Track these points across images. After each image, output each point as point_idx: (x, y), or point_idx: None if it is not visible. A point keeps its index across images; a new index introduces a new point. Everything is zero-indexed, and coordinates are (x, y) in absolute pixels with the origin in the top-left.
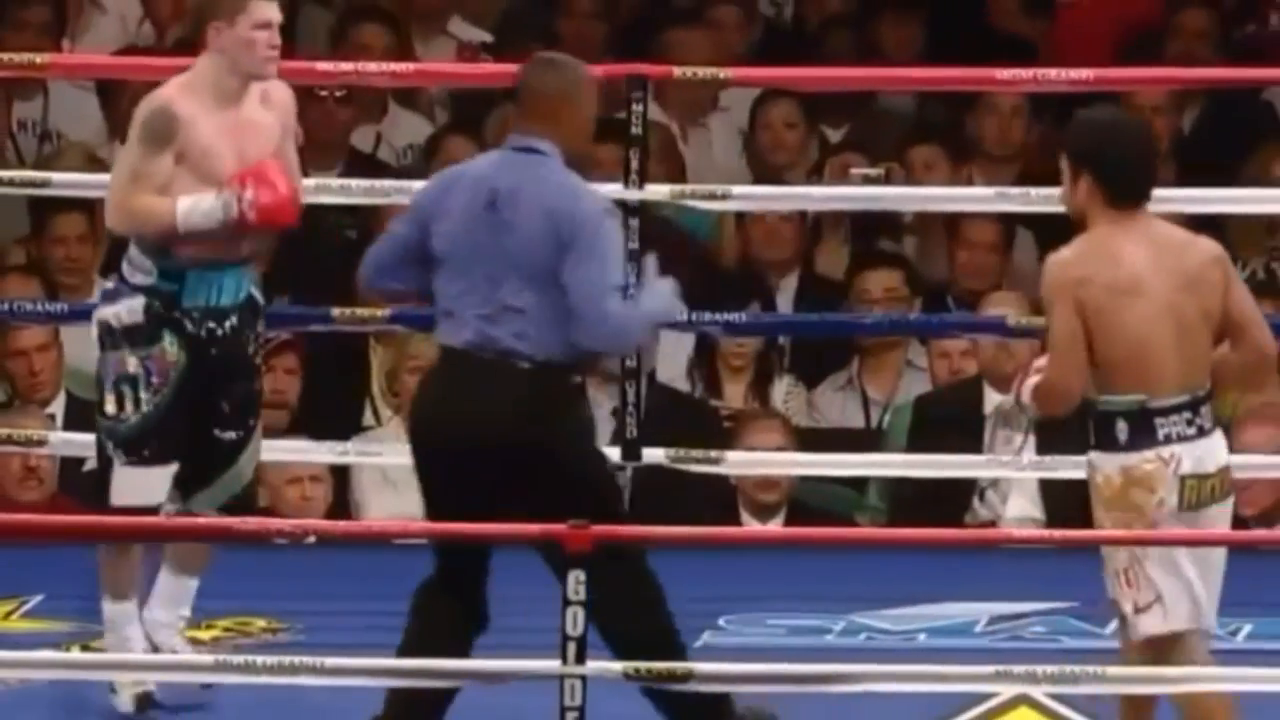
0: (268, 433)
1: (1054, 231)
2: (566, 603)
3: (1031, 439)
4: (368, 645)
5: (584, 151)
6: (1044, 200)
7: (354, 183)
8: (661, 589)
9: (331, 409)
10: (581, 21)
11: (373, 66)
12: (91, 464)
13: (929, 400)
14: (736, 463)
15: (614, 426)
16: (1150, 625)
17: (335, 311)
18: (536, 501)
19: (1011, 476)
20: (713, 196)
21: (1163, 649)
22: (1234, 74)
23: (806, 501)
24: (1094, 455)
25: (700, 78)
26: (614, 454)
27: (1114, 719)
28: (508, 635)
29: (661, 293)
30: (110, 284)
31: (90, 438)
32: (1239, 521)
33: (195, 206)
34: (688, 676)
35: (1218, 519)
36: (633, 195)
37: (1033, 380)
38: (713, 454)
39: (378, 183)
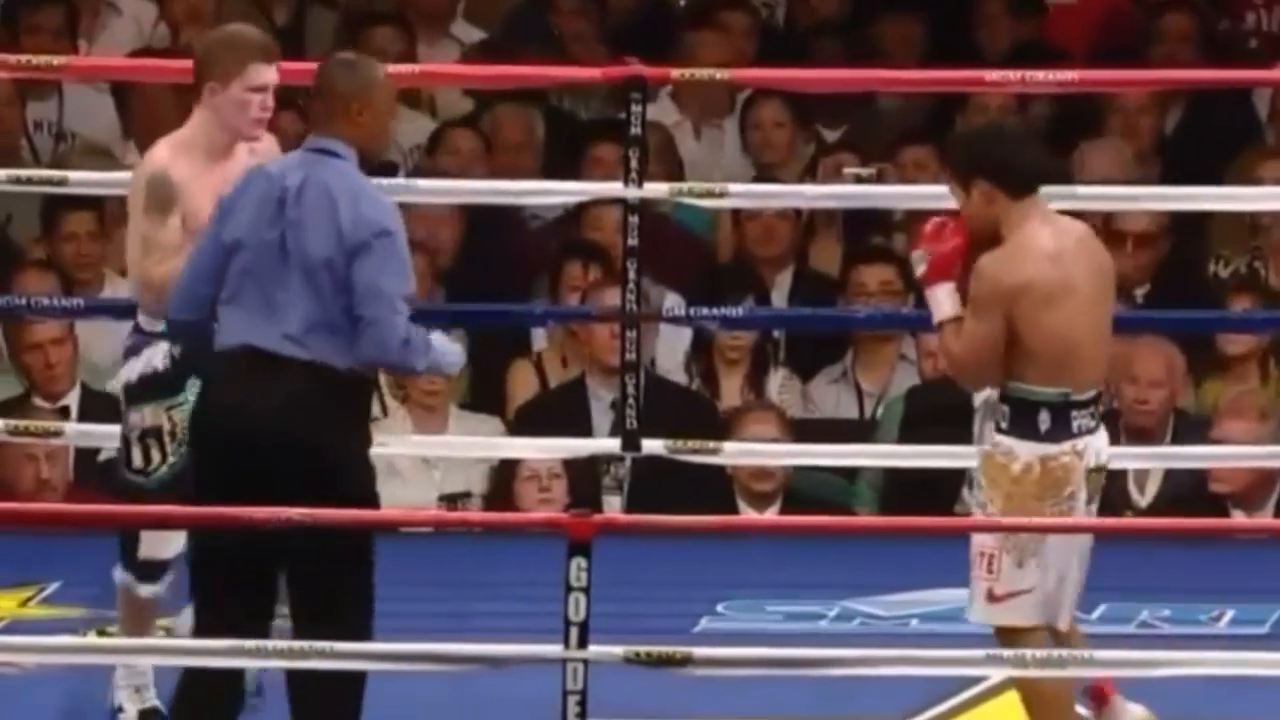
0: None
1: None
2: (568, 588)
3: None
4: (379, 631)
5: (379, 153)
6: None
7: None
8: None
9: (351, 401)
10: (580, 21)
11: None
12: (107, 454)
13: (920, 393)
14: (733, 453)
15: (614, 418)
16: (1006, 616)
17: None
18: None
19: None
20: (710, 194)
21: (1009, 638)
22: (1217, 75)
23: (801, 490)
24: (1008, 441)
25: (697, 78)
26: (614, 445)
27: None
28: (510, 620)
29: (454, 347)
30: (128, 340)
31: (105, 428)
32: (1217, 501)
33: None
34: (687, 660)
35: (1093, 512)
36: (632, 193)
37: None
38: (710, 445)
39: (385, 182)
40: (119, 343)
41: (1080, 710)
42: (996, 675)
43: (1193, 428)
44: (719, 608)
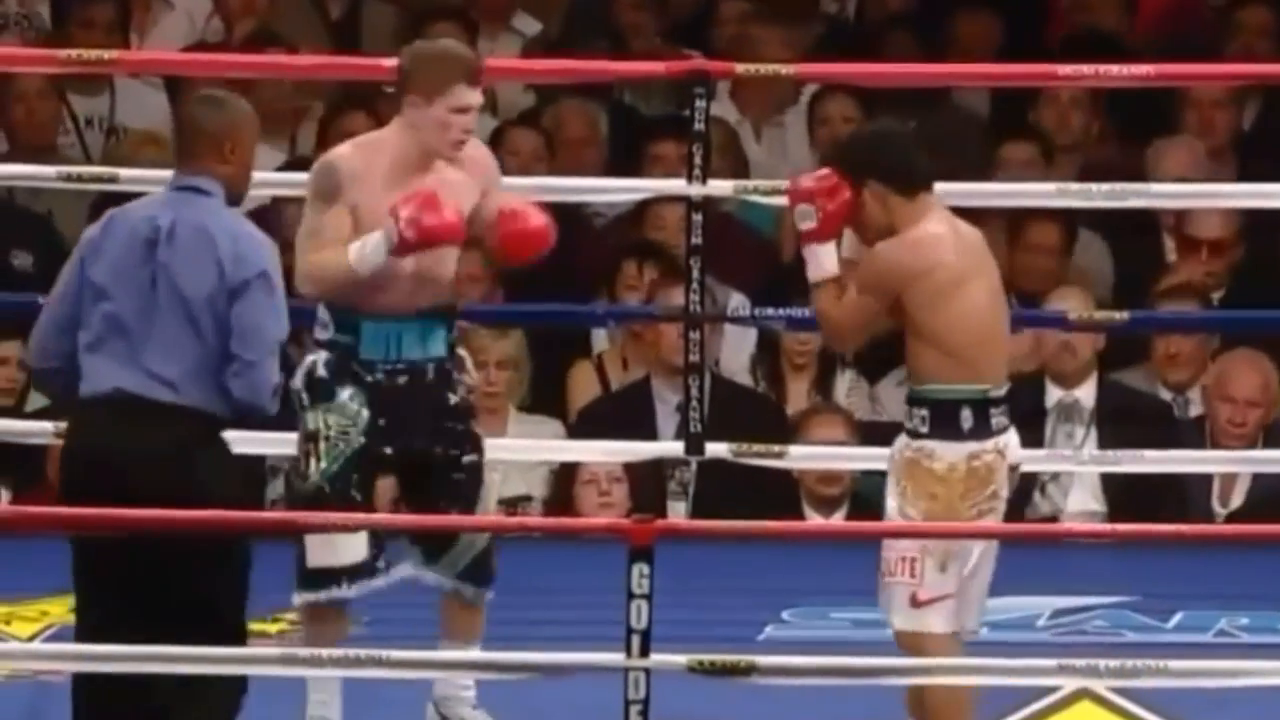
0: None
1: (1118, 231)
2: (631, 596)
3: (1093, 433)
4: (434, 638)
5: (244, 192)
6: (1106, 196)
7: None
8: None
9: None
10: (640, 15)
11: None
12: None
13: None
14: (799, 457)
15: (678, 421)
16: (930, 622)
17: None
18: (166, 556)
19: (1073, 470)
20: (776, 191)
21: (920, 645)
22: None
23: (868, 495)
24: (930, 443)
25: (763, 74)
26: (677, 448)
27: (1179, 713)
28: (570, 628)
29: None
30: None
31: None
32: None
33: (364, 244)
34: (751, 669)
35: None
36: (696, 191)
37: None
38: (775, 448)
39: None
40: None
41: None
42: (1069, 685)
43: (1276, 432)
44: (784, 615)
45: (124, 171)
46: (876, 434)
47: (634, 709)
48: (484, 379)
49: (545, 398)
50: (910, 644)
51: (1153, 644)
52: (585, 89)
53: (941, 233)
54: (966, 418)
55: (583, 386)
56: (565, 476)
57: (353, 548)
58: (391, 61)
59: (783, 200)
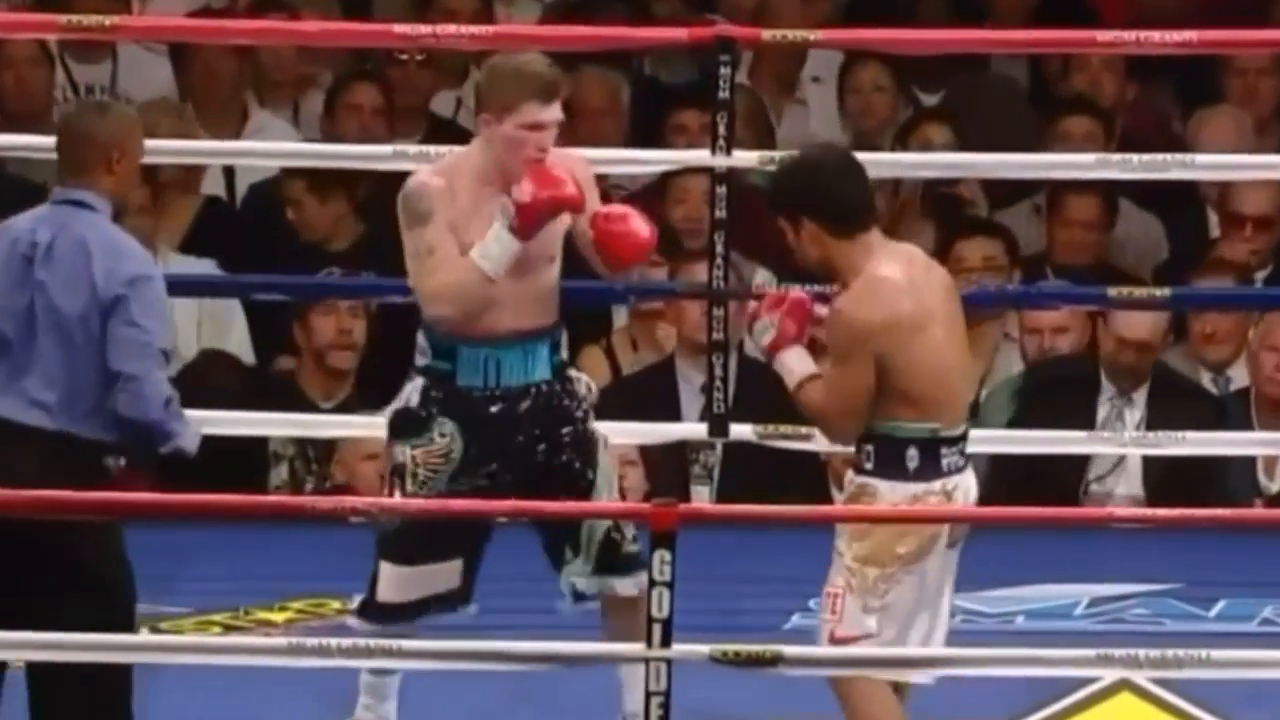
0: (340, 408)
1: (1155, 199)
2: (652, 584)
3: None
4: (444, 626)
5: (127, 199)
6: (1146, 167)
7: (433, 149)
8: None
9: (398, 383)
10: None
11: (451, 29)
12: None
13: (1035, 374)
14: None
15: (703, 402)
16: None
17: None
18: (41, 586)
19: (1113, 453)
20: None
21: (845, 688)
22: None
23: None
24: (874, 481)
25: (789, 40)
26: (701, 430)
27: (1222, 705)
28: (588, 616)
29: (194, 432)
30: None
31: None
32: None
33: (484, 243)
34: (777, 660)
35: (955, 561)
36: (720, 162)
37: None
38: (803, 430)
39: (458, 148)
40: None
41: None
42: (1108, 676)
43: None
44: (811, 603)
45: None
46: None
47: (655, 701)
48: None
49: None
50: (834, 685)
51: (1195, 633)
52: (605, 57)
53: (893, 276)
54: (913, 457)
55: (592, 370)
56: None
57: (421, 587)
58: (403, 28)
59: None
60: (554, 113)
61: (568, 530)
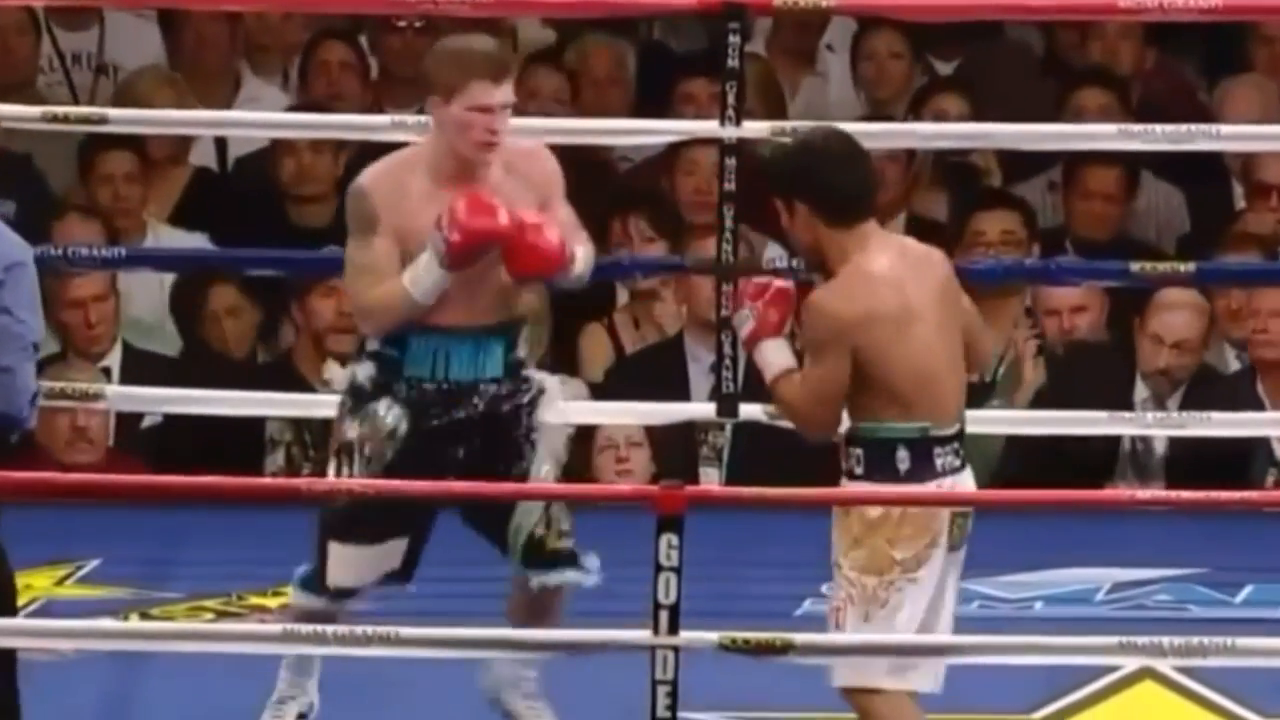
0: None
1: (1176, 169)
2: (659, 569)
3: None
4: (441, 613)
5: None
6: (1169, 138)
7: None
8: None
9: None
10: None
11: None
12: (151, 420)
13: (1062, 353)
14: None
15: (712, 381)
16: (853, 676)
17: None
18: None
19: (1137, 434)
20: None
21: (860, 701)
22: None
23: None
24: (865, 486)
25: (800, 6)
26: (709, 410)
27: (1249, 694)
28: (592, 602)
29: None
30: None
31: (149, 391)
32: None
33: (415, 267)
34: (788, 647)
35: (958, 564)
36: (729, 133)
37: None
38: None
39: None
40: (165, 296)
41: None
42: (1130, 664)
43: None
44: (824, 589)
45: (113, 112)
46: None
47: (661, 690)
48: None
49: (564, 357)
50: (850, 699)
51: (1220, 620)
52: (610, 24)
53: (880, 272)
54: (903, 458)
55: (594, 349)
56: (581, 441)
57: (370, 569)
58: None
59: None
60: (504, 95)
61: (496, 528)
